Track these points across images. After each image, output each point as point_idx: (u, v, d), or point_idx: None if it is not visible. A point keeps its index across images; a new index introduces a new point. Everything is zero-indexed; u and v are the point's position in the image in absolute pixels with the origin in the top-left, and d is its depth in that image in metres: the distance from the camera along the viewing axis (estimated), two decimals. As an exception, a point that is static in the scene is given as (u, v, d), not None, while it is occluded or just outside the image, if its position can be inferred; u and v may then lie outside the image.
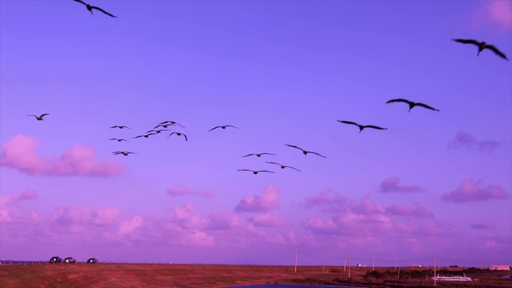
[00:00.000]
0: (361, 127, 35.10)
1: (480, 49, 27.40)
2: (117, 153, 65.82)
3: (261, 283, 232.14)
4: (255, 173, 65.53)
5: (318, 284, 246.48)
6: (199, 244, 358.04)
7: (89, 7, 33.00)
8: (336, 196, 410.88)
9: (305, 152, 42.40)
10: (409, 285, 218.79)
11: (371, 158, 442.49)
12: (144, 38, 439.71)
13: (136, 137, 63.09)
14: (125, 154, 65.33)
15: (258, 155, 58.57)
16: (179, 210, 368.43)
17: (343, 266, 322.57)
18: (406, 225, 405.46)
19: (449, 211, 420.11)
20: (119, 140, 64.42)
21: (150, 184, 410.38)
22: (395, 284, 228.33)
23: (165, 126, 59.74)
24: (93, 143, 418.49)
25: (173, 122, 60.41)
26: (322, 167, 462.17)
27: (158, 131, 60.76)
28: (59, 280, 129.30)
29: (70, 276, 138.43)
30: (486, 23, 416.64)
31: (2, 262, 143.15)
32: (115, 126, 63.14)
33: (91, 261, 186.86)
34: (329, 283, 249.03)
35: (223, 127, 60.87)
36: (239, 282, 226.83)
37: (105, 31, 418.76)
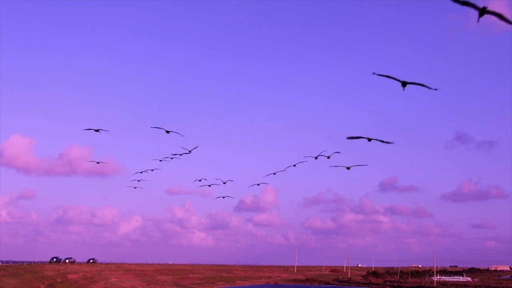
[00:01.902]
0: (369, 139, 35.51)
1: (404, 86, 28.24)
2: (142, 172, 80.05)
3: (261, 283, 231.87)
4: (209, 185, 78.99)
5: (318, 284, 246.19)
6: (199, 244, 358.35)
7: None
8: (335, 196, 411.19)
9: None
10: (409, 285, 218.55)
11: (369, 157, 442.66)
12: (142, 38, 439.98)
13: (153, 159, 75.44)
14: (152, 170, 78.14)
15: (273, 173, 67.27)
16: (178, 210, 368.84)
17: (343, 266, 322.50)
18: (405, 225, 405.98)
19: (448, 211, 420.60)
20: (138, 181, 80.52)
21: (148, 184, 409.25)
22: (395, 284, 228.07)
23: (180, 155, 68.87)
24: (91, 142, 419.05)
25: (190, 151, 68.29)
26: (320, 167, 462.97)
27: (171, 158, 71.47)
28: (59, 280, 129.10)
29: (70, 276, 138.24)
30: (482, 23, 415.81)
31: (2, 262, 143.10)
32: (137, 172, 79.14)
33: (91, 261, 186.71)
34: (329, 283, 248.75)
35: (209, 186, 76.88)
36: (239, 282, 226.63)
37: (103, 30, 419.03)
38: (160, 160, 73.31)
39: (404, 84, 28.57)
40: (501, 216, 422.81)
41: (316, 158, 55.60)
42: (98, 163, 77.94)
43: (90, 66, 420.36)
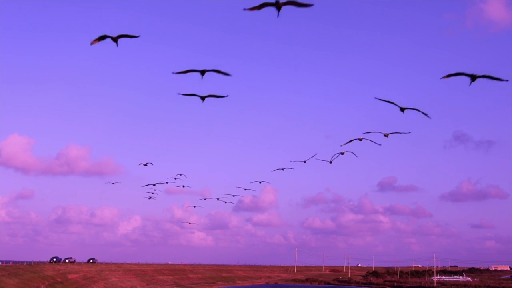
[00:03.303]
0: (386, 135, 36.55)
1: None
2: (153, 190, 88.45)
3: (261, 283, 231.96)
4: (194, 207, 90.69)
5: (318, 284, 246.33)
6: (198, 244, 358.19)
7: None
8: (334, 196, 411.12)
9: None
10: (409, 285, 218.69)
11: (368, 157, 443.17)
12: (142, 38, 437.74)
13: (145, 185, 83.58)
14: (154, 187, 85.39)
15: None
16: (177, 210, 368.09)
17: (343, 266, 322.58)
18: (405, 225, 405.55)
19: (447, 211, 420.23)
20: (154, 190, 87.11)
21: (146, 183, 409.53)
22: (395, 284, 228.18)
23: (176, 177, 76.79)
24: (89, 142, 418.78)
25: (181, 175, 77.54)
26: (319, 167, 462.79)
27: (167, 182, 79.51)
28: (59, 280, 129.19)
29: (70, 276, 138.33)
30: (480, 22, 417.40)
31: (2, 262, 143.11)
32: (147, 189, 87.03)
33: (91, 261, 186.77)
34: (329, 283, 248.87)
35: (194, 207, 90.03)
36: (239, 282, 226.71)
37: (101, 30, 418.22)
38: (166, 182, 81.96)
39: (402, 109, 31.48)
40: (501, 216, 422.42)
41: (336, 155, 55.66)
42: (113, 184, 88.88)
43: (88, 66, 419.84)
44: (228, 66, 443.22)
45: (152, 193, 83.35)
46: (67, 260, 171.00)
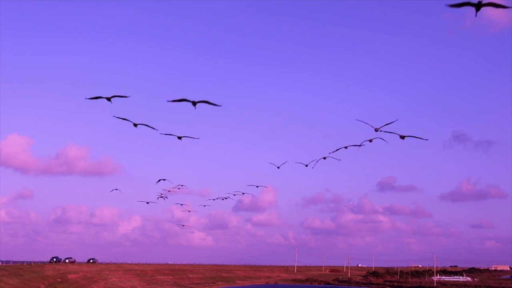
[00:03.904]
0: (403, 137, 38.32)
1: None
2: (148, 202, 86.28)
3: (261, 283, 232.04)
4: (189, 211, 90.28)
5: (318, 284, 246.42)
6: (198, 244, 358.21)
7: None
8: (334, 196, 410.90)
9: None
10: (409, 285, 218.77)
11: (367, 157, 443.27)
12: (141, 38, 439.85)
13: (140, 201, 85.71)
14: (148, 203, 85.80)
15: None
16: (177, 210, 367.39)
17: (343, 266, 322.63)
18: (405, 225, 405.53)
19: (447, 211, 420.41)
20: (162, 195, 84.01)
21: (145, 183, 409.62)
22: (395, 284, 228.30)
23: (179, 188, 76.82)
24: (88, 142, 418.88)
25: (182, 185, 76.27)
26: (318, 167, 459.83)
27: (170, 190, 79.71)
28: (59, 280, 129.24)
29: (70, 276, 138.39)
30: (479, 22, 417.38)
31: (2, 262, 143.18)
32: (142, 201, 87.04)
33: (91, 261, 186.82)
34: (329, 283, 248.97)
35: (189, 211, 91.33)
36: (239, 282, 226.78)
37: (101, 30, 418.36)
38: (169, 191, 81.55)
39: (376, 129, 36.02)
40: (501, 216, 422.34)
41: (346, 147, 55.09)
42: (116, 190, 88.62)
43: (87, 66, 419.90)
44: (228, 66, 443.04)
45: (162, 195, 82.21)
46: (67, 260, 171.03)
